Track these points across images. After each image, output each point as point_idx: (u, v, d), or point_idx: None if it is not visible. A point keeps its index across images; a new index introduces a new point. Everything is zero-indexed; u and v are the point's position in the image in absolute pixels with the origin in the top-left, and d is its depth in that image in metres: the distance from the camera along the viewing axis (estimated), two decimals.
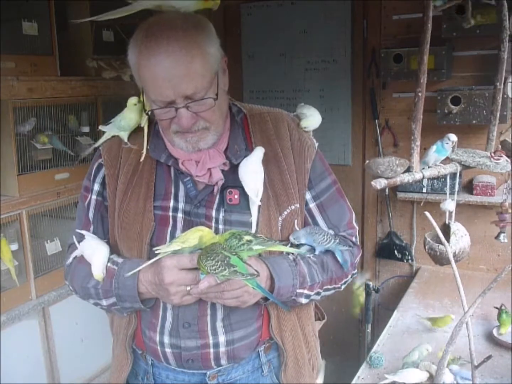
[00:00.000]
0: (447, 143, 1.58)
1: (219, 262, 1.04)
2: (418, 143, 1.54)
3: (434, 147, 1.61)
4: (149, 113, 1.19)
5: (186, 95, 1.09)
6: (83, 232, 1.28)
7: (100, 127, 1.33)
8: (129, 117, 1.26)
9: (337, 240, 1.24)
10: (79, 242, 1.28)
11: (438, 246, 1.60)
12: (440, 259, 1.63)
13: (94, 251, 1.22)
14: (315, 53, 2.94)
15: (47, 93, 2.38)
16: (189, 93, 1.08)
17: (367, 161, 1.56)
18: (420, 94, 1.52)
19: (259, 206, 1.20)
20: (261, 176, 1.20)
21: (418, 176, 1.55)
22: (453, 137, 1.59)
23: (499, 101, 1.78)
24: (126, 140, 1.28)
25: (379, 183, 1.48)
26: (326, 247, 1.23)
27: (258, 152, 1.21)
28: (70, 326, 2.52)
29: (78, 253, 1.29)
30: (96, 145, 1.33)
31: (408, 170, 1.55)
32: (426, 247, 1.66)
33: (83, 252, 1.25)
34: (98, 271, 1.20)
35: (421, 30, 1.55)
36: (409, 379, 1.64)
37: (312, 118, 1.35)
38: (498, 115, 1.79)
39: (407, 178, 1.54)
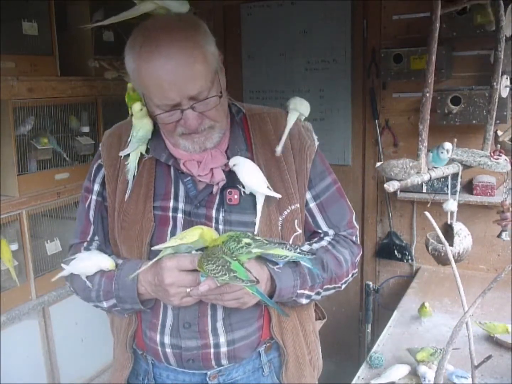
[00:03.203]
0: (442, 153, 1.57)
1: (220, 267, 1.04)
2: (426, 144, 1.54)
3: (430, 156, 1.60)
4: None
5: (191, 96, 1.08)
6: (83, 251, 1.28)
7: (121, 153, 1.24)
8: (142, 125, 1.22)
9: (298, 250, 1.17)
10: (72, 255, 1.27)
11: (442, 246, 1.59)
12: (444, 260, 1.63)
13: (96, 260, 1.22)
14: (315, 53, 2.93)
15: (47, 93, 2.39)
16: (194, 94, 1.08)
17: (379, 163, 1.54)
18: (428, 94, 1.51)
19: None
20: (261, 173, 1.20)
21: (426, 177, 1.55)
22: (447, 145, 1.57)
23: (496, 101, 1.78)
24: (144, 151, 1.24)
25: (392, 186, 1.47)
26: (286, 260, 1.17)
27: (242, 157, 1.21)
28: (70, 326, 2.52)
29: (65, 273, 1.26)
30: (132, 168, 1.24)
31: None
32: (430, 248, 1.66)
33: (75, 268, 1.24)
34: (108, 263, 1.20)
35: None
36: (393, 377, 1.69)
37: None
38: (494, 114, 1.79)
39: (416, 179, 1.53)
